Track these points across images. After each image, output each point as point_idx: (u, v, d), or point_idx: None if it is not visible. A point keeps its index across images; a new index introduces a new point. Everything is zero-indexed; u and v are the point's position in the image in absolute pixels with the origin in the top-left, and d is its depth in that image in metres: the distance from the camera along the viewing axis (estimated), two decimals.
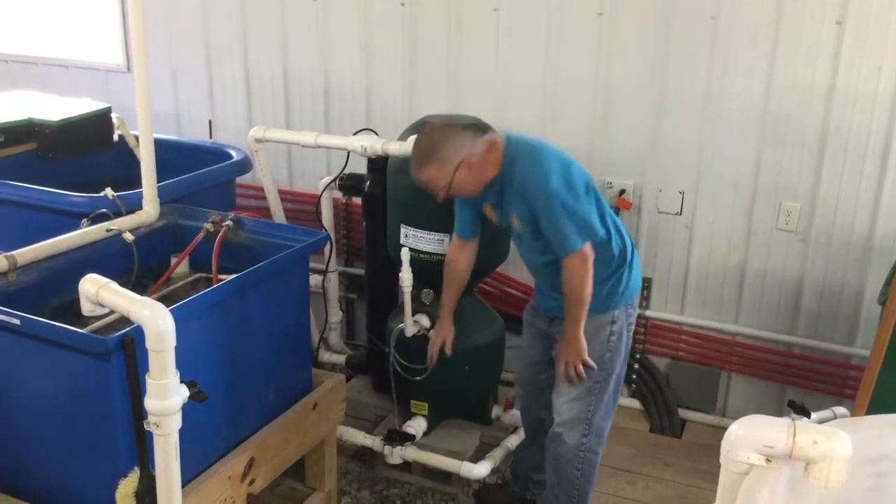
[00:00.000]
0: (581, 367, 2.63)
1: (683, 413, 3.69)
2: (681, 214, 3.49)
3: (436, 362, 2.99)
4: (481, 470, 3.08)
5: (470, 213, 2.77)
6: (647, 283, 3.62)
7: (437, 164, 2.52)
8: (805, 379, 3.48)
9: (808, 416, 2.41)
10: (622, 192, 3.50)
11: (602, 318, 2.65)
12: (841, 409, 2.56)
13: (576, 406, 2.69)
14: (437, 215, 2.98)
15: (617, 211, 3.53)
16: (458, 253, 2.87)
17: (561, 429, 2.71)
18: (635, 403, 3.76)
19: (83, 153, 3.52)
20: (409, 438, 3.14)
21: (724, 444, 1.44)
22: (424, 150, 2.55)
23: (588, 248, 2.51)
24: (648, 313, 3.66)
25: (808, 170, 3.26)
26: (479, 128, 2.59)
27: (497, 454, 3.18)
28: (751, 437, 1.41)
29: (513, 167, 2.54)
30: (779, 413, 3.35)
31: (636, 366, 3.71)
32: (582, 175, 2.57)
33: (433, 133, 2.59)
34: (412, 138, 2.89)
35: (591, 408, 2.68)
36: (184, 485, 2.19)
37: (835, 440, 1.39)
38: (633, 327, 2.75)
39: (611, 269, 2.63)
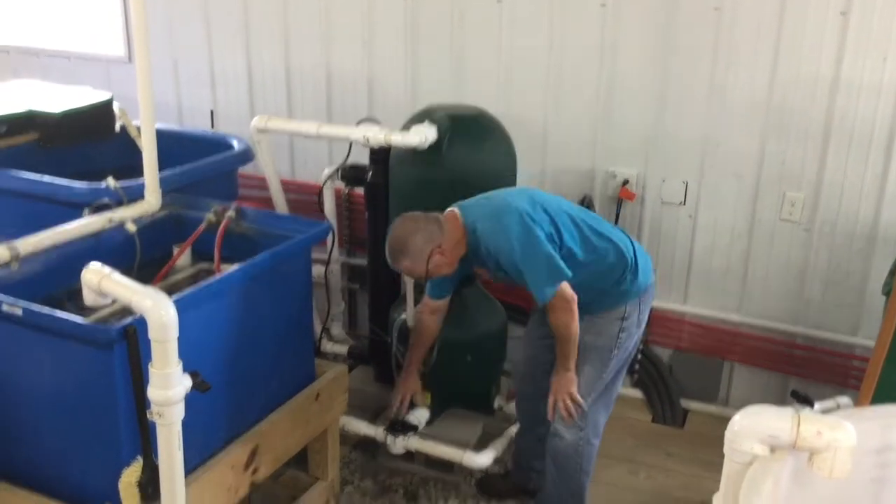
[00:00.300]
0: (570, 403, 2.66)
1: (686, 403, 3.68)
2: (684, 204, 3.48)
3: (403, 413, 3.09)
4: (484, 459, 3.08)
5: (450, 280, 2.83)
6: None
7: (409, 258, 2.61)
8: (808, 369, 3.47)
9: (812, 406, 2.39)
10: (625, 182, 3.49)
11: (613, 312, 2.66)
12: (844, 399, 2.53)
13: (573, 403, 2.69)
14: (440, 206, 2.97)
15: (620, 202, 3.53)
16: (428, 316, 2.96)
17: (559, 425, 2.72)
18: (637, 394, 3.76)
19: (84, 143, 3.51)
20: (411, 428, 3.14)
21: (728, 434, 1.44)
22: (396, 246, 2.65)
23: (566, 291, 2.53)
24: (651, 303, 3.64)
25: (812, 160, 3.24)
26: (438, 216, 2.66)
27: (499, 444, 3.18)
28: (755, 427, 1.41)
29: (475, 235, 2.59)
30: (781, 403, 3.33)
31: (639, 356, 3.71)
32: (549, 210, 2.56)
33: (402, 227, 2.66)
34: (415, 128, 2.88)
35: (588, 400, 2.69)
36: (187, 474, 2.19)
37: (839, 430, 1.39)
38: (643, 324, 2.74)
39: (613, 278, 2.63)
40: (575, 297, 2.54)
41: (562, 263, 2.51)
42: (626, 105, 3.46)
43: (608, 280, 2.63)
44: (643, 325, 2.76)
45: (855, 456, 1.39)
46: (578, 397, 2.66)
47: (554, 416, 2.70)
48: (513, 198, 2.61)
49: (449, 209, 2.65)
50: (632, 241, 2.72)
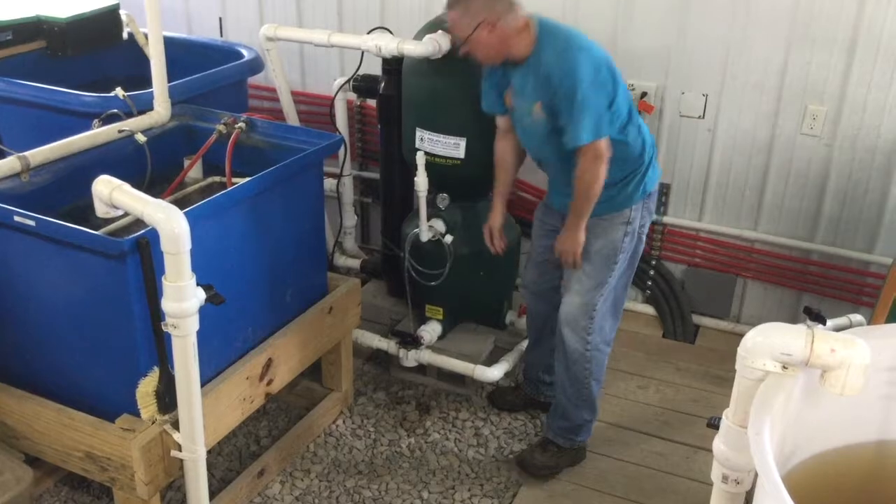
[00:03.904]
0: (579, 258, 2.63)
1: (697, 319, 3.70)
2: (703, 118, 3.41)
3: (496, 251, 2.98)
4: (495, 373, 3.12)
5: (494, 92, 2.71)
6: (665, 189, 3.58)
7: (461, 10, 2.51)
8: (822, 286, 3.46)
9: (824, 322, 2.40)
10: (644, 94, 3.41)
11: (617, 216, 2.63)
12: (857, 317, 2.54)
13: (580, 306, 2.69)
14: (453, 118, 2.93)
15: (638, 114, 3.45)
16: (500, 142, 2.83)
17: (566, 328, 2.72)
18: (649, 309, 3.77)
19: (92, 51, 3.46)
20: (415, 342, 3.17)
21: (741, 350, 1.44)
22: None
23: (603, 145, 2.47)
24: (666, 219, 3.62)
25: (836, 72, 3.15)
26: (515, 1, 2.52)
27: (510, 358, 3.22)
28: (768, 344, 1.41)
29: (542, 52, 2.49)
30: (794, 320, 3.35)
31: (651, 272, 3.70)
32: (611, 70, 2.50)
33: None
34: (428, 37, 2.80)
35: (595, 307, 2.69)
36: (203, 384, 2.23)
37: (853, 348, 1.38)
38: (646, 230, 2.73)
39: (629, 168, 2.59)
40: (609, 155, 2.49)
41: (608, 123, 2.48)
42: (647, 14, 3.35)
43: (622, 172, 2.58)
44: (645, 235, 2.73)
45: (867, 374, 1.39)
46: (581, 261, 2.64)
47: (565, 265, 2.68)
48: (595, 45, 2.52)
49: (529, 16, 2.53)
50: (653, 145, 2.70)
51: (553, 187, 2.81)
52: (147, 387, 2.22)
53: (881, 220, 3.28)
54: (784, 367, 1.41)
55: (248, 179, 2.48)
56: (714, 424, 1.57)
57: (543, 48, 2.49)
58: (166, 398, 2.22)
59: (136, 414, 2.25)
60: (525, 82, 2.55)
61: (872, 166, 3.23)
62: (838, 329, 2.19)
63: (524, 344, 3.29)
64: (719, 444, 1.52)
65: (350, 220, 3.83)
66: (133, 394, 2.22)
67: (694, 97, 3.39)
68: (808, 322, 2.31)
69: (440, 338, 3.25)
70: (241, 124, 2.82)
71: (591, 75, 2.43)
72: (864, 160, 3.23)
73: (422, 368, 3.28)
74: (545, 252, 2.87)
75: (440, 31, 2.81)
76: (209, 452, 2.39)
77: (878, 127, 3.16)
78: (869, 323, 2.70)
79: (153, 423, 2.25)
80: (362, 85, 3.39)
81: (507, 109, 2.71)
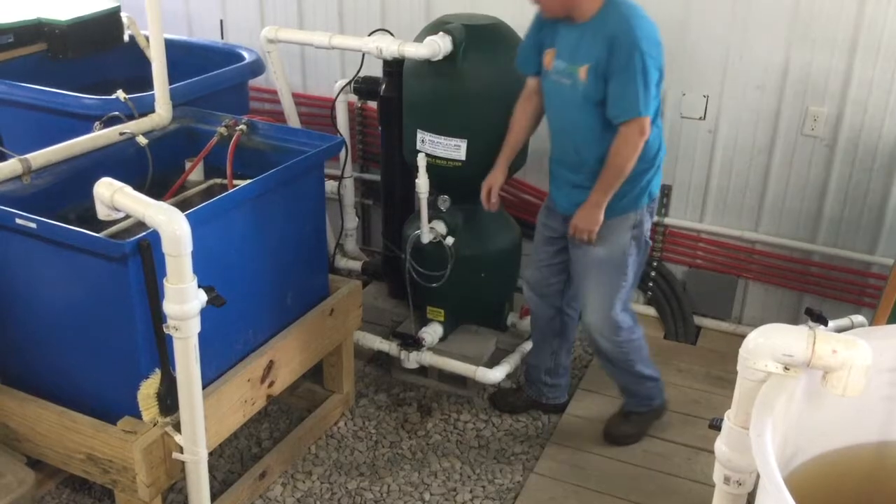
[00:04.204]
0: (594, 235, 2.62)
1: (699, 320, 3.69)
2: (704, 119, 3.41)
3: (487, 208, 2.93)
4: (496, 375, 3.12)
5: (534, 51, 2.69)
6: (666, 191, 3.57)
7: None
8: (823, 287, 3.46)
9: (826, 324, 2.39)
10: None
11: (623, 220, 2.64)
12: (859, 318, 2.53)
13: (602, 317, 2.76)
14: (454, 120, 2.93)
15: None
16: (522, 103, 2.80)
17: (595, 335, 2.81)
18: (650, 310, 3.77)
19: (93, 54, 3.46)
20: (417, 344, 3.17)
21: (743, 351, 1.44)
22: None
23: (647, 123, 2.47)
24: (667, 220, 3.62)
25: (837, 73, 3.15)
26: None
27: (512, 360, 3.22)
28: (770, 345, 1.41)
29: (609, 14, 2.46)
30: (795, 321, 3.35)
31: (653, 273, 3.70)
32: (662, 56, 2.51)
33: None
34: (429, 39, 2.80)
35: (614, 307, 2.74)
36: (204, 386, 2.23)
37: (854, 349, 1.38)
38: (649, 234, 2.75)
39: (640, 166, 2.58)
40: (647, 133, 2.48)
41: (653, 104, 2.48)
42: (648, 14, 3.35)
43: (641, 165, 2.58)
44: (649, 238, 2.76)
45: (869, 375, 1.39)
46: (594, 237, 2.63)
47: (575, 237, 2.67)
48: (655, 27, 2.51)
49: None
50: (664, 149, 2.72)
51: (558, 183, 2.77)
52: (148, 389, 2.22)
53: (882, 221, 3.28)
54: (786, 369, 1.41)
55: (249, 181, 2.48)
56: (716, 426, 1.56)
57: (611, 11, 2.46)
58: (168, 400, 2.22)
59: (138, 416, 2.25)
60: (579, 43, 2.52)
61: (874, 167, 3.22)
62: (840, 330, 2.18)
63: (526, 345, 3.29)
64: (721, 445, 1.52)
65: (351, 222, 3.83)
66: (134, 396, 2.22)
67: (695, 98, 3.39)
68: (810, 323, 2.30)
69: (441, 339, 3.25)
70: (243, 126, 2.82)
71: (653, 51, 2.44)
72: (865, 161, 3.23)
73: (423, 370, 3.28)
74: (548, 258, 2.89)
75: (441, 33, 2.81)
76: (210, 454, 2.39)
77: (880, 128, 3.16)
78: (870, 324, 2.70)
79: (155, 425, 2.26)
80: (363, 87, 3.39)
81: (539, 71, 2.69)
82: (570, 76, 2.54)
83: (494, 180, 2.88)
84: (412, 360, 3.19)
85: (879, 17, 3.02)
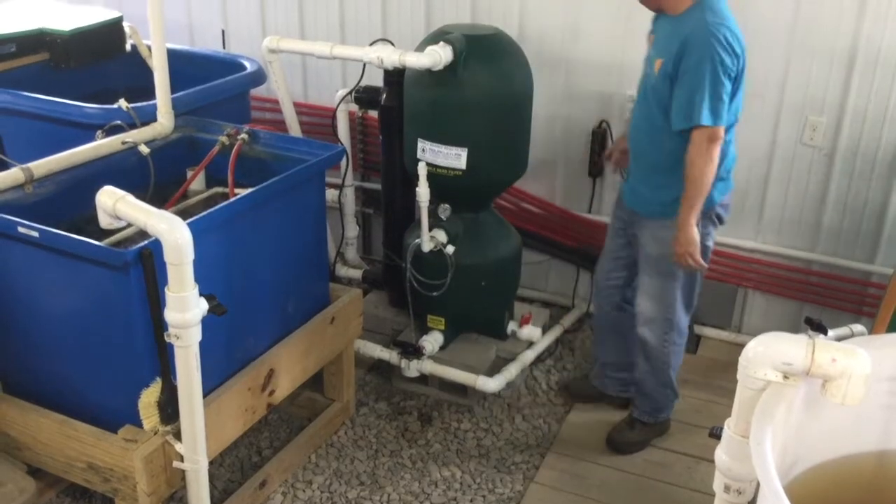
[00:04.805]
0: (698, 258, 2.61)
1: (699, 329, 3.69)
2: None
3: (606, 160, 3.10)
4: (496, 384, 3.12)
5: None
6: None
7: None
8: (823, 296, 3.46)
9: (825, 333, 2.39)
10: None
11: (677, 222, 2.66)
12: (858, 327, 2.53)
13: (655, 309, 2.80)
14: (454, 129, 2.94)
15: None
16: None
17: (644, 327, 2.85)
18: None
19: (95, 63, 3.47)
20: (417, 352, 3.17)
21: (742, 360, 1.44)
22: None
23: (718, 132, 2.46)
24: None
25: (836, 83, 3.16)
26: None
27: (512, 369, 3.22)
28: (769, 353, 1.41)
29: (693, 15, 2.47)
30: (796, 330, 3.34)
31: None
32: (742, 69, 2.50)
33: None
34: (430, 49, 2.82)
35: (671, 307, 2.79)
36: (205, 395, 2.23)
37: (853, 358, 1.38)
38: (710, 240, 2.74)
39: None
40: (721, 141, 2.47)
41: (726, 113, 2.47)
42: (647, 24, 3.36)
43: None
44: (710, 245, 2.75)
45: (868, 383, 1.39)
46: (699, 259, 2.62)
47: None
48: (742, 38, 2.51)
49: None
50: (734, 160, 2.72)
51: (629, 179, 2.85)
52: (149, 397, 2.22)
53: (881, 231, 3.29)
54: (785, 377, 1.42)
55: (250, 190, 2.49)
56: (716, 434, 1.57)
57: (696, 13, 2.47)
58: (168, 409, 2.22)
59: (139, 425, 2.25)
60: (663, 34, 2.57)
61: (872, 177, 3.23)
62: (840, 339, 2.18)
63: (527, 354, 3.30)
64: (721, 454, 1.53)
65: (352, 230, 3.83)
66: (135, 404, 2.22)
67: None
68: (810, 332, 2.31)
69: (442, 348, 3.25)
70: (244, 135, 2.83)
71: (728, 59, 2.42)
72: (864, 171, 3.24)
73: (423, 379, 3.28)
74: (616, 249, 2.94)
75: (441, 43, 2.83)
76: (211, 463, 2.39)
77: (878, 138, 3.17)
78: (870, 333, 2.70)
79: (155, 433, 2.26)
80: (364, 96, 3.40)
81: None
82: (650, 65, 2.61)
83: (620, 143, 3.00)
84: (413, 368, 3.20)
85: (878, 28, 3.03)
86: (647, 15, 3.32)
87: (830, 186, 3.31)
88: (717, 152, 2.48)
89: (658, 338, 2.84)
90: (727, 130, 2.55)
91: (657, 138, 2.60)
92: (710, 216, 2.71)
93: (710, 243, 2.76)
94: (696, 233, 2.57)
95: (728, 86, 2.45)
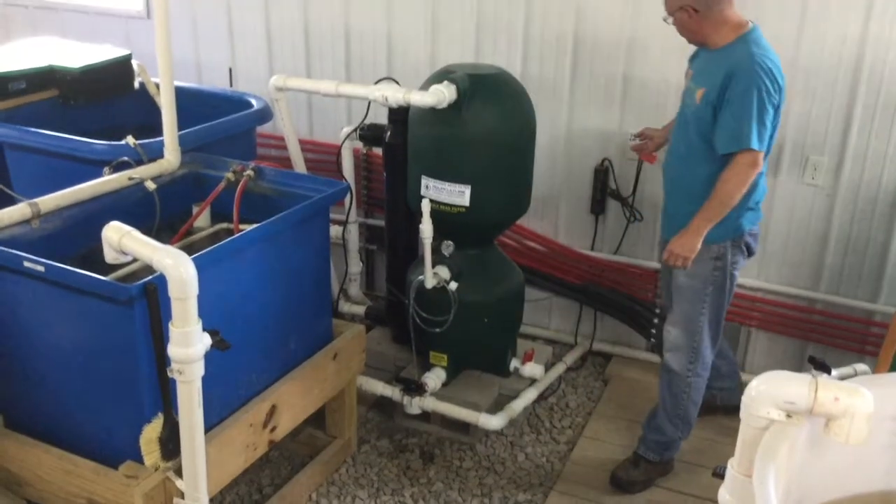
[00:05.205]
0: (689, 264, 2.66)
1: None
2: None
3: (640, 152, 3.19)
4: (498, 422, 3.11)
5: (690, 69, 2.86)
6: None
7: None
8: (826, 335, 3.45)
9: (829, 372, 2.39)
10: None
11: (706, 250, 2.68)
12: (862, 366, 2.53)
13: (682, 335, 2.82)
14: (458, 166, 2.96)
15: (640, 164, 3.50)
16: None
17: (669, 356, 2.87)
18: (654, 357, 3.76)
19: (104, 100, 3.52)
20: (420, 389, 3.16)
21: (745, 399, 1.44)
22: None
23: (760, 158, 2.54)
24: None
25: (836, 123, 3.19)
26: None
27: (515, 406, 3.20)
28: (772, 392, 1.41)
29: (737, 48, 2.56)
30: (799, 370, 3.33)
31: (655, 320, 3.70)
32: (780, 103, 2.57)
33: None
34: (434, 88, 2.85)
35: (698, 335, 2.80)
36: (206, 431, 2.22)
37: (857, 397, 1.38)
38: (738, 268, 2.78)
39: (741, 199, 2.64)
40: (759, 168, 2.55)
41: (767, 139, 2.54)
42: (647, 63, 3.41)
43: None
44: (737, 272, 2.79)
45: (871, 423, 1.39)
46: (689, 265, 2.67)
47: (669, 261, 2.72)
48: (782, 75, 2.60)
49: (744, 18, 2.62)
50: (763, 192, 2.77)
51: (665, 214, 2.91)
52: (151, 433, 2.21)
53: (884, 270, 3.29)
54: (788, 416, 1.42)
55: (255, 226, 2.51)
56: (719, 474, 1.56)
57: (740, 45, 2.56)
58: (170, 445, 2.22)
59: (140, 461, 2.24)
60: (704, 66, 2.66)
61: (874, 216, 3.25)
62: (843, 378, 2.18)
63: (529, 391, 3.29)
64: (724, 493, 1.52)
65: (355, 266, 3.84)
66: (137, 440, 2.22)
67: None
68: (813, 371, 2.30)
69: (444, 385, 3.24)
70: (250, 172, 2.86)
71: (772, 88, 2.50)
72: (866, 210, 3.25)
73: (426, 416, 3.27)
74: (669, 278, 2.94)
75: (446, 82, 2.87)
76: (211, 500, 2.36)
77: (880, 177, 3.19)
78: (873, 372, 2.69)
79: (156, 470, 2.25)
80: (369, 134, 3.44)
81: None
82: (691, 97, 2.68)
83: (653, 133, 3.12)
84: (415, 405, 3.18)
85: (878, 68, 3.07)
86: (648, 54, 3.39)
87: (832, 225, 3.32)
88: (752, 177, 2.56)
89: (683, 366, 2.86)
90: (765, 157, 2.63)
91: (694, 165, 2.68)
92: (740, 245, 2.74)
93: (737, 272, 2.80)
94: (699, 244, 2.63)
95: (771, 113, 2.54)
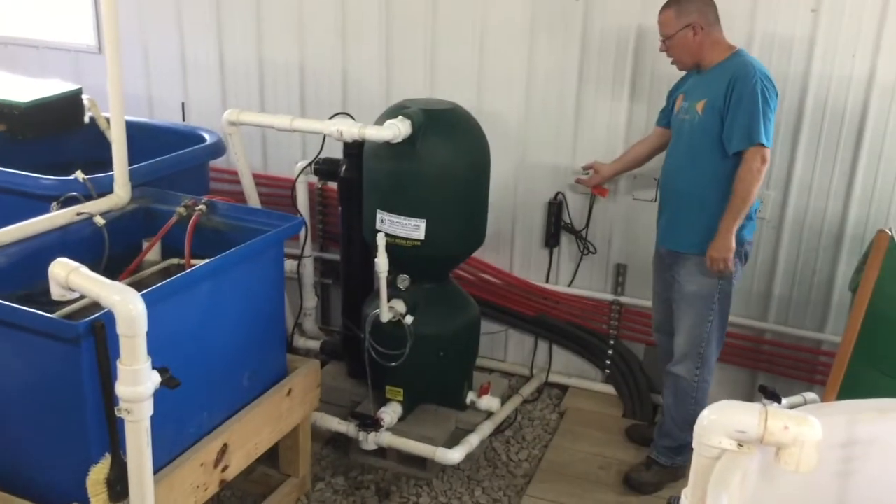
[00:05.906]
0: (731, 265, 2.76)
1: (656, 398, 3.71)
2: (656, 201, 3.50)
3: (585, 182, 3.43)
4: (456, 455, 3.08)
5: (670, 104, 3.05)
6: (622, 270, 3.64)
7: (675, 9, 2.80)
8: (776, 364, 3.52)
9: (779, 401, 2.42)
10: None
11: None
12: (811, 395, 2.56)
13: (690, 344, 2.91)
14: (413, 200, 2.97)
15: (592, 198, 3.55)
16: (645, 140, 3.24)
17: (677, 362, 2.97)
18: (609, 389, 3.78)
19: (53, 135, 3.46)
20: (375, 424, 3.13)
21: (697, 429, 1.45)
22: None
23: (766, 153, 2.68)
24: (623, 299, 3.67)
25: (782, 158, 3.28)
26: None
27: (472, 440, 3.19)
28: (723, 422, 1.42)
29: (731, 61, 2.78)
30: (749, 399, 3.38)
31: (610, 351, 3.73)
32: (776, 102, 2.76)
33: None
34: (389, 122, 2.87)
35: (703, 344, 2.90)
36: (156, 471, 2.17)
37: (805, 425, 1.40)
38: (738, 276, 2.91)
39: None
40: (768, 164, 2.71)
41: (771, 137, 2.71)
42: (597, 104, 3.48)
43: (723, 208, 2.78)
44: (737, 280, 2.94)
45: (821, 450, 1.41)
46: (731, 266, 2.78)
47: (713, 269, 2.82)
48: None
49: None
50: (759, 202, 2.94)
51: (661, 218, 3.05)
52: (98, 474, 2.15)
53: (830, 300, 3.37)
54: (740, 445, 1.43)
55: (206, 261, 2.47)
56: None
57: (736, 59, 2.79)
58: (118, 486, 2.15)
59: (87, 503, 2.17)
60: (699, 83, 2.86)
61: (819, 247, 3.33)
62: (793, 407, 2.21)
63: (486, 425, 3.28)
64: None
65: (310, 301, 3.82)
66: (84, 481, 2.15)
67: (646, 181, 3.49)
68: (764, 400, 2.33)
69: (401, 419, 3.22)
70: (202, 206, 2.83)
71: (771, 93, 2.72)
72: (811, 242, 3.34)
73: (382, 451, 3.23)
74: (662, 290, 3.09)
75: (400, 117, 2.88)
76: None
77: (824, 210, 3.28)
78: (822, 400, 2.74)
79: None
80: (323, 168, 3.44)
81: (668, 122, 3.04)
82: (689, 112, 2.82)
83: (601, 167, 3.33)
84: (371, 441, 3.15)
85: (820, 100, 3.17)
86: (598, 93, 3.46)
87: (780, 257, 3.40)
88: (764, 172, 2.71)
89: (690, 372, 2.94)
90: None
91: (701, 173, 2.81)
92: (741, 253, 2.87)
93: (736, 282, 2.93)
94: (734, 241, 2.75)
95: (772, 115, 2.70)
